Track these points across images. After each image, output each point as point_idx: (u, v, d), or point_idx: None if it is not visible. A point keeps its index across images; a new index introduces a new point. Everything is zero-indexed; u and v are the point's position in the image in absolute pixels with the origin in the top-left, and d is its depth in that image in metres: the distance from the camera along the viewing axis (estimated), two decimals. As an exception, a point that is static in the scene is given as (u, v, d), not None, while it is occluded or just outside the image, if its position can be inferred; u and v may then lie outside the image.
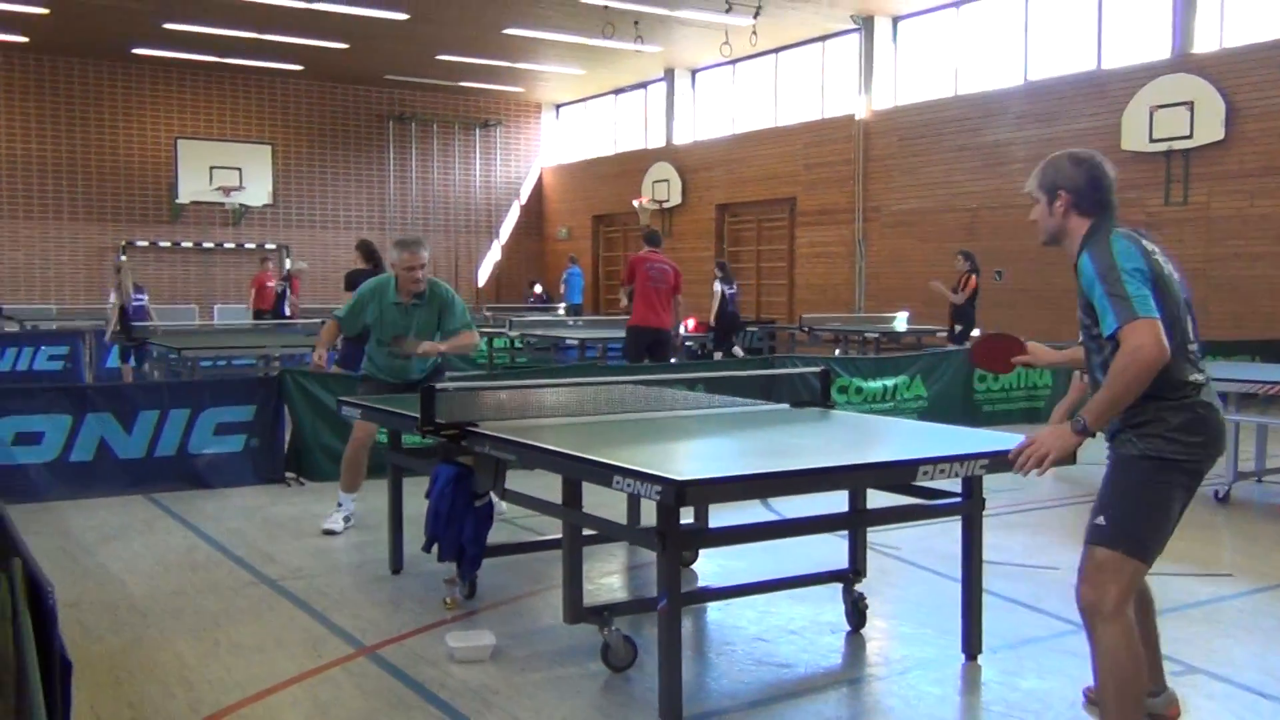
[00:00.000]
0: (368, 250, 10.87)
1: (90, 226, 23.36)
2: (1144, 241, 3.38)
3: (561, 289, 22.30)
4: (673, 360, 11.36)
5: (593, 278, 26.13)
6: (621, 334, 12.39)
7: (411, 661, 4.41)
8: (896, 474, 4.04)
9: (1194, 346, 3.38)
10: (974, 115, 17.93)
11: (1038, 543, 6.48)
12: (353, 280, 10.58)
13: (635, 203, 24.25)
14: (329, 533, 6.56)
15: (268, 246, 24.72)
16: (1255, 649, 4.59)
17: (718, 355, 15.91)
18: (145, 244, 23.73)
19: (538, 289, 25.58)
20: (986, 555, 4.54)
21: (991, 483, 4.49)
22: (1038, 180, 3.58)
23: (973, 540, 4.42)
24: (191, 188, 22.88)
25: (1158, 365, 3.14)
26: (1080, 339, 3.52)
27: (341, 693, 4.09)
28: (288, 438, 8.35)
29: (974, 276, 14.10)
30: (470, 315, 6.94)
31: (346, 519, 6.68)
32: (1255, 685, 4.14)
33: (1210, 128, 14.67)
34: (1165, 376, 3.21)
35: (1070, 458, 3.45)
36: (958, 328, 14.16)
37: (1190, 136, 14.82)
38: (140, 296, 14.73)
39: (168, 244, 23.91)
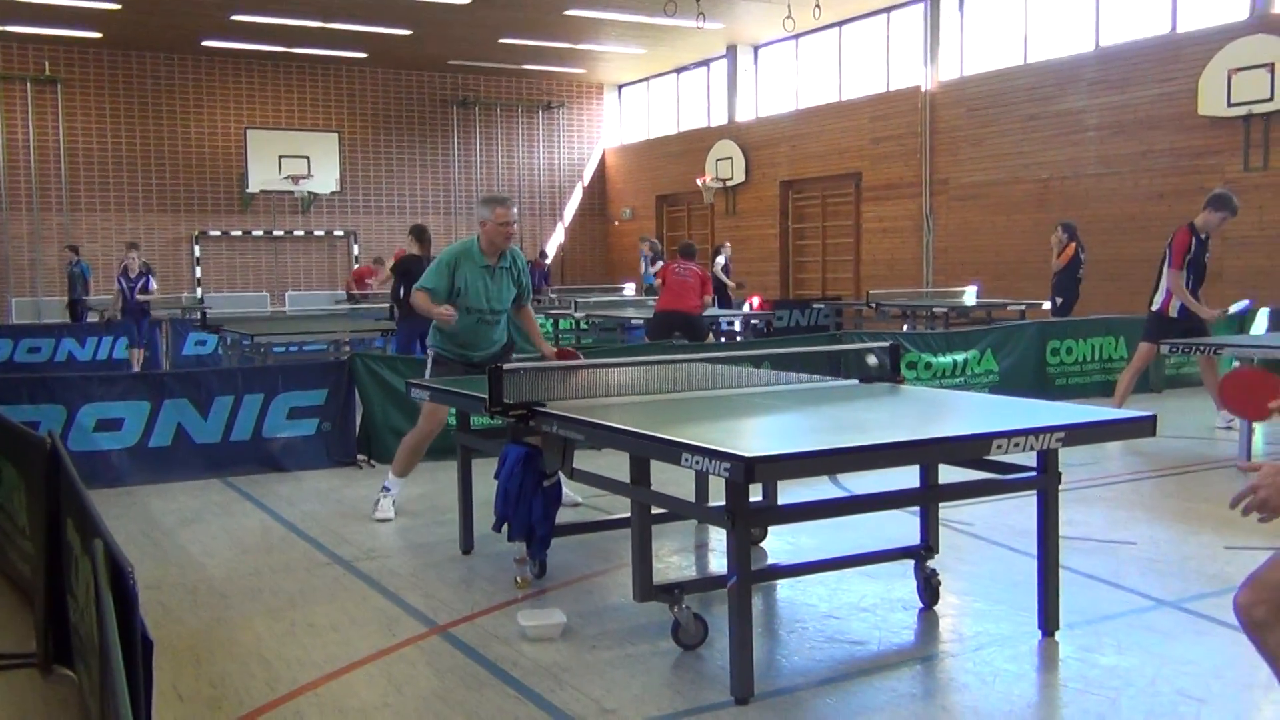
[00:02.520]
0: (421, 234, 10.99)
1: (164, 217, 23.83)
2: None
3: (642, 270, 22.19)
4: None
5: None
6: (705, 313, 13.37)
7: (483, 640, 4.44)
8: (969, 448, 3.98)
9: None
10: (1044, 84, 17.54)
11: (1116, 517, 6.35)
12: (406, 266, 10.73)
13: (699, 181, 24.15)
14: (383, 521, 6.53)
15: (336, 233, 25.07)
16: None
17: None
18: (217, 233, 24.18)
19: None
20: (1063, 530, 4.46)
21: (1067, 456, 4.41)
22: None
23: (1048, 514, 4.33)
24: (261, 177, 23.22)
25: None
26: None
27: (415, 671, 4.14)
28: (359, 421, 8.46)
29: (1073, 245, 13.71)
30: None
31: (393, 503, 6.65)
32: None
33: (1292, 90, 14.20)
34: None
35: None
36: (1058, 300, 13.80)
37: (1271, 99, 14.35)
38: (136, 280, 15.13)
39: (239, 233, 24.33)
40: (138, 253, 15.58)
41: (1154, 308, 9.22)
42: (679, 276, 12.42)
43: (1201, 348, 8.43)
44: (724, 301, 17.79)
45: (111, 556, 2.68)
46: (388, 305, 12.77)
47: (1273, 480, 2.75)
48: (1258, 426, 8.92)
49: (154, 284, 15.69)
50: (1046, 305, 14.48)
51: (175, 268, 23.91)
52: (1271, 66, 14.32)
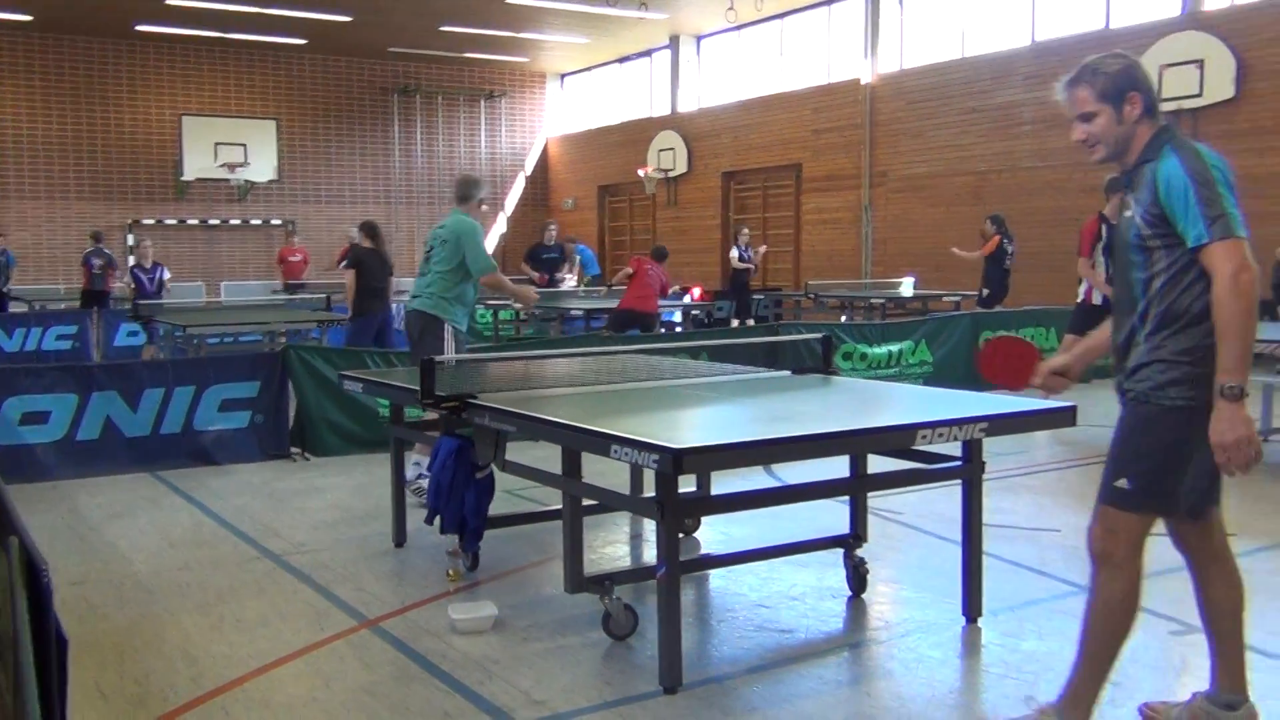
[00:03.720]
0: (373, 230, 10.93)
1: (96, 206, 23.37)
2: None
3: (576, 268, 22.05)
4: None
5: (599, 249, 26.06)
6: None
7: (414, 633, 4.43)
8: (895, 439, 4.03)
9: None
10: (981, 77, 17.78)
11: (1041, 505, 6.47)
12: (358, 259, 10.65)
13: (641, 172, 24.16)
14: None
15: (274, 222, 24.74)
16: (1257, 607, 4.54)
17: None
18: (151, 222, 23.72)
19: None
20: (988, 518, 4.54)
21: (994, 446, 4.49)
22: (1093, 92, 3.19)
23: (973, 503, 4.41)
24: (197, 165, 22.82)
25: (1256, 285, 2.96)
26: (1114, 270, 3.25)
27: (345, 665, 4.12)
28: (293, 413, 8.38)
29: (998, 238, 13.98)
30: None
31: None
32: (1256, 644, 4.12)
33: (1220, 86, 14.52)
34: (1191, 310, 3.05)
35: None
36: (984, 291, 14.08)
37: (1200, 95, 14.67)
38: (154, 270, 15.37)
39: (174, 222, 23.90)
40: (150, 243, 15.76)
41: (1078, 299, 9.39)
42: (650, 276, 12.61)
43: None
44: (744, 288, 17.79)
45: (26, 553, 2.64)
46: (323, 297, 12.65)
47: (1229, 438, 2.95)
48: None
49: (168, 274, 15.70)
50: (951, 298, 14.76)
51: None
52: (1201, 63, 14.63)
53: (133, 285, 15.42)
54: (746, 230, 18.78)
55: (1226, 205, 2.98)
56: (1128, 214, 3.22)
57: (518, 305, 7.74)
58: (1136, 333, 3.18)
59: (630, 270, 12.88)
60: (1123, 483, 3.14)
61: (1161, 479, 3.12)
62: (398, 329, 10.23)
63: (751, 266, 18.10)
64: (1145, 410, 3.13)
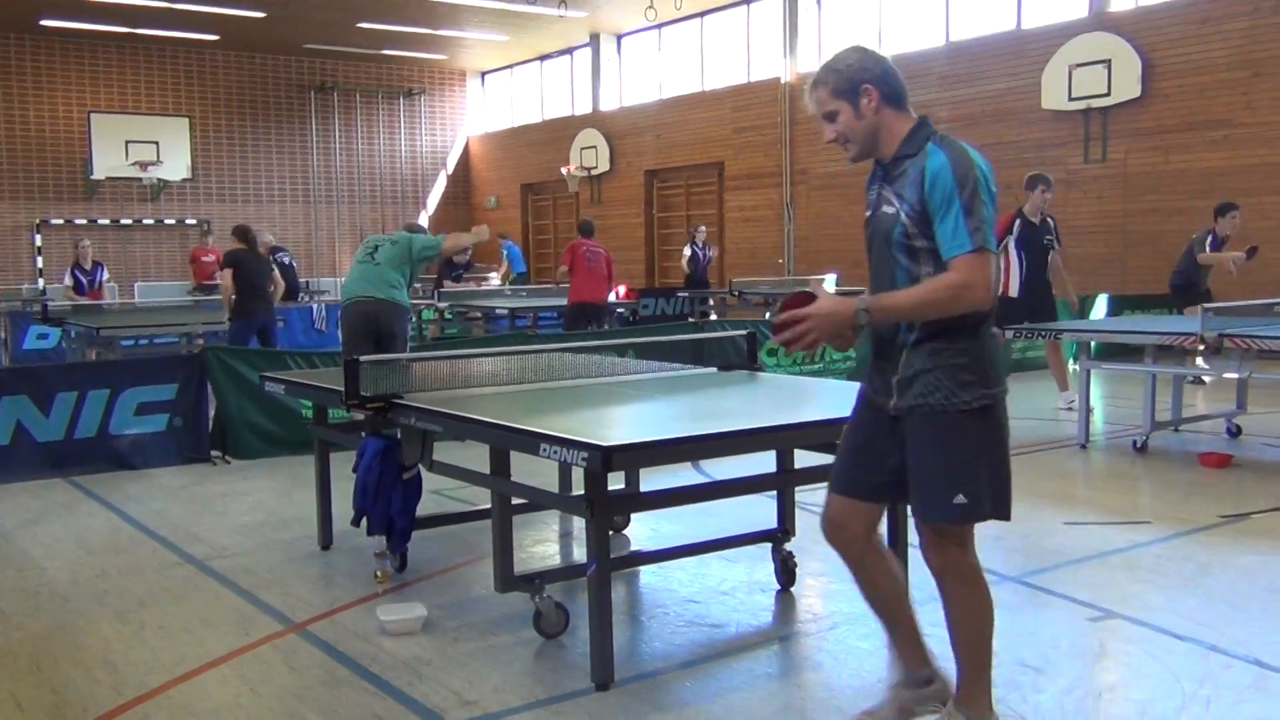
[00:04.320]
0: (244, 233, 10.83)
1: (1, 205, 22.66)
2: None
3: (504, 265, 21.93)
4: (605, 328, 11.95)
5: (523, 246, 25.96)
6: (552, 303, 13.85)
7: (342, 636, 4.38)
8: (821, 433, 4.08)
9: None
10: (897, 77, 18.02)
11: (963, 497, 6.58)
12: (235, 259, 10.50)
13: (564, 170, 24.10)
14: None
15: (188, 222, 24.21)
16: (1171, 593, 4.72)
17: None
18: (60, 222, 23.06)
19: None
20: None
21: (915, 439, 4.55)
22: (828, 90, 3.10)
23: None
24: (107, 163, 22.24)
25: (979, 305, 2.93)
26: (875, 253, 3.18)
27: (271, 670, 4.05)
28: (212, 416, 8.22)
29: None
30: None
31: None
32: (1171, 628, 4.26)
33: (1127, 85, 14.93)
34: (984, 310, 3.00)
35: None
36: None
37: (1108, 94, 15.08)
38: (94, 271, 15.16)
39: (84, 221, 23.23)
40: (89, 242, 15.48)
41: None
42: (591, 264, 12.12)
43: (1045, 332, 8.80)
44: (703, 286, 17.60)
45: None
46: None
47: (820, 319, 2.97)
48: (1096, 407, 9.38)
49: (106, 274, 15.37)
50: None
51: (15, 258, 22.78)
52: (1109, 63, 15.03)
53: (71, 286, 14.97)
54: (704, 228, 18.33)
55: (987, 214, 2.93)
56: (888, 210, 3.10)
57: (482, 240, 8.06)
58: (902, 338, 3.06)
59: (565, 267, 12.30)
60: (960, 498, 3.02)
61: (993, 483, 3.07)
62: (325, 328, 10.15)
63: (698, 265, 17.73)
64: (947, 421, 3.02)
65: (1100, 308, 13.16)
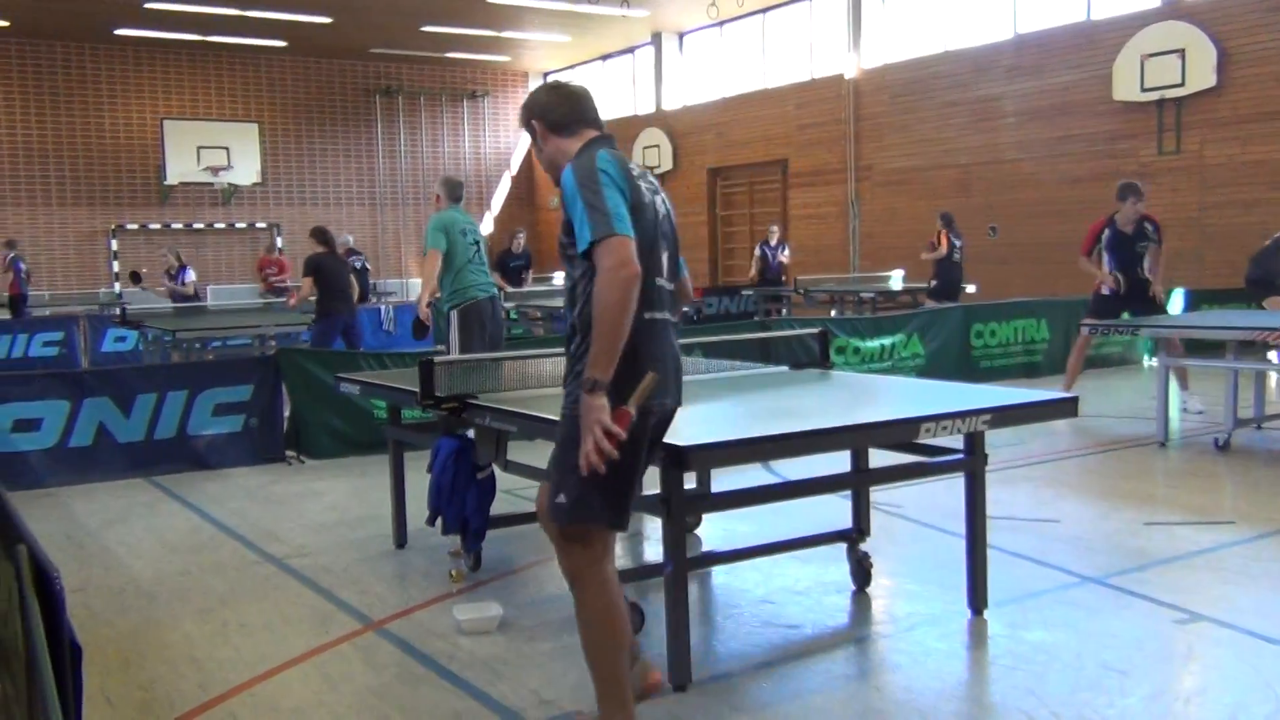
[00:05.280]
0: (323, 235, 10.96)
1: (79, 211, 23.22)
2: (632, 167, 3.22)
3: None
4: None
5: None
6: None
7: (420, 635, 4.42)
8: (899, 432, 4.04)
9: (663, 283, 3.26)
10: (964, 70, 17.82)
11: (1040, 496, 6.50)
12: (315, 264, 10.66)
13: (626, 169, 24.09)
14: None
15: (258, 225, 24.63)
16: (1258, 595, 4.61)
17: None
18: (135, 227, 23.60)
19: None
20: (989, 510, 4.55)
21: (993, 438, 4.49)
22: (521, 125, 3.46)
23: (976, 495, 4.42)
24: (179, 169, 22.71)
25: (635, 283, 2.97)
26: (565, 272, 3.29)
27: (351, 668, 4.10)
28: (286, 416, 8.35)
29: (943, 234, 14.38)
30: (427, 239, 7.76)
31: None
32: (1259, 630, 4.15)
33: (1202, 75, 14.59)
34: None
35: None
36: (932, 283, 14.56)
37: (1182, 84, 14.75)
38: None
39: (158, 226, 23.77)
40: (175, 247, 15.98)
41: (1093, 290, 9.52)
42: None
43: (1127, 328, 8.66)
44: (773, 282, 17.54)
45: (36, 561, 2.62)
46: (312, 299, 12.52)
47: (588, 426, 2.98)
48: (1174, 404, 9.18)
49: (193, 274, 15.78)
50: (971, 289, 14.90)
51: (92, 262, 23.33)
52: (1183, 52, 14.70)
53: (169, 290, 15.42)
54: (776, 228, 18.13)
55: (610, 204, 3.01)
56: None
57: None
58: (572, 343, 3.22)
59: None
60: (560, 498, 3.15)
61: (589, 492, 3.11)
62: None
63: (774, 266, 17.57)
64: (564, 424, 3.20)
65: (1177, 302, 12.89)
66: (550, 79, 27.62)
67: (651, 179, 3.36)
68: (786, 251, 18.08)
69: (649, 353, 3.16)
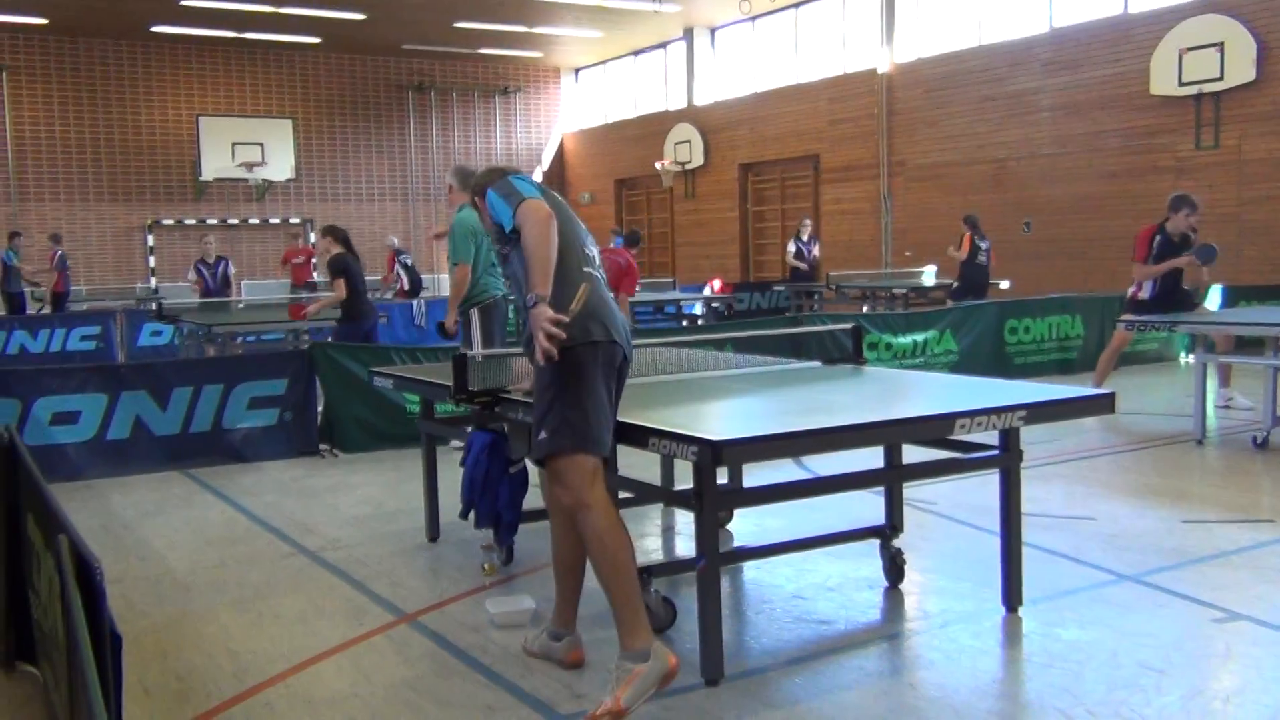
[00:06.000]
0: (345, 237, 10.79)
1: (116, 207, 23.47)
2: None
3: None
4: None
5: (617, 242, 26.04)
6: (650, 297, 14.35)
7: (452, 628, 4.44)
8: (933, 428, 4.01)
9: (592, 253, 3.83)
10: (998, 65, 17.69)
11: (1074, 494, 6.44)
12: (342, 266, 10.32)
13: (658, 165, 24.13)
14: None
15: (292, 221, 24.81)
16: (1299, 594, 4.54)
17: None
18: (171, 222, 23.84)
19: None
20: (1023, 507, 4.51)
21: (1026, 435, 4.46)
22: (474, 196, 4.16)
23: (1011, 492, 4.39)
24: (215, 164, 22.91)
25: (551, 220, 3.57)
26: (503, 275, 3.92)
27: (384, 660, 4.13)
28: (320, 410, 8.40)
29: (969, 236, 14.14)
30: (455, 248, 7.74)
31: None
32: (1301, 630, 4.10)
33: (1241, 68, 14.40)
34: (560, 275, 3.58)
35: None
36: (954, 284, 14.36)
37: (1220, 78, 14.57)
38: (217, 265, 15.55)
39: (193, 221, 24.00)
40: (213, 239, 16.07)
41: (1128, 294, 9.36)
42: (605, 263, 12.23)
43: (1162, 324, 8.57)
44: (809, 275, 17.46)
45: (77, 551, 2.65)
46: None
47: (535, 330, 3.45)
48: (1211, 402, 9.07)
49: (233, 268, 15.83)
50: (1005, 285, 14.76)
51: (128, 257, 23.59)
52: (1221, 46, 14.52)
53: (197, 281, 15.40)
54: (809, 221, 18.03)
55: (518, 187, 3.72)
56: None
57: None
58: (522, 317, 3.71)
59: None
60: (541, 435, 3.63)
61: (573, 420, 3.58)
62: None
63: (804, 265, 17.47)
64: (538, 374, 3.68)
65: (1214, 299, 12.73)
66: (580, 77, 27.64)
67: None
68: (818, 247, 18.02)
69: (592, 292, 3.67)
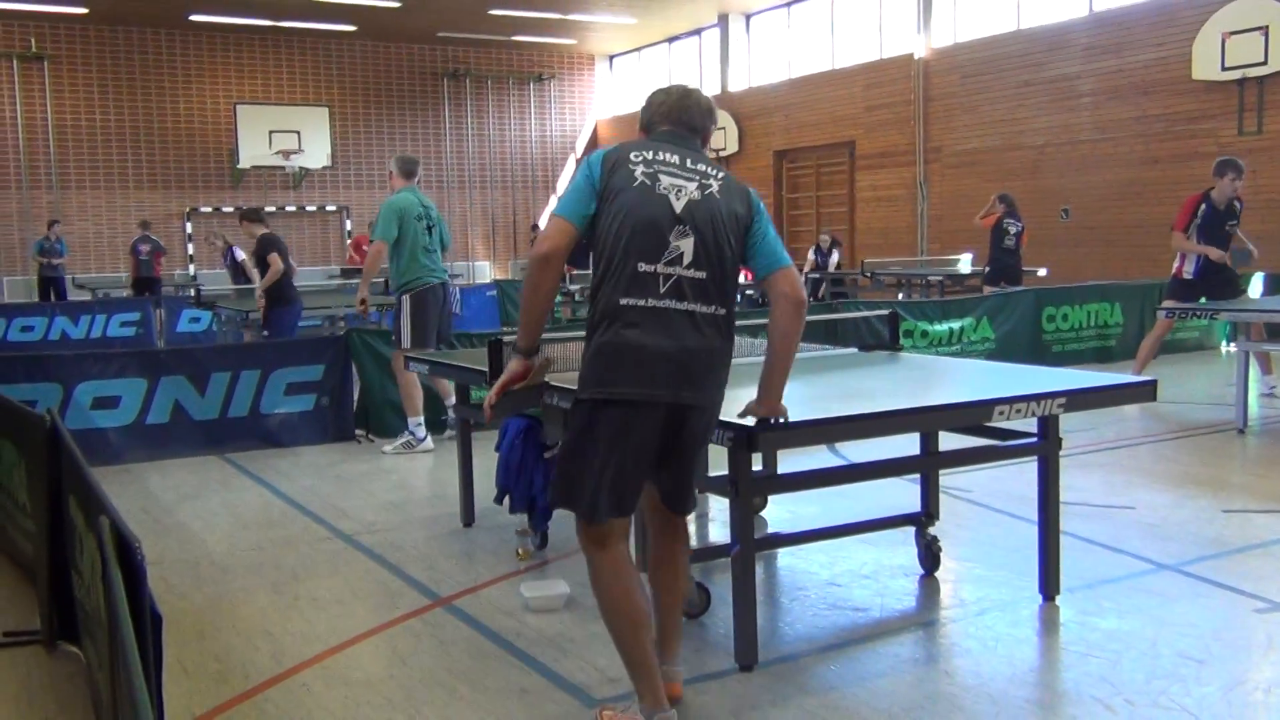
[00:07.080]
0: (261, 216, 10.70)
1: (155, 194, 23.71)
2: (643, 152, 3.26)
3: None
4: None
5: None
6: None
7: (487, 612, 4.46)
8: (971, 414, 3.99)
9: (663, 269, 3.12)
10: (1037, 49, 17.48)
11: (1113, 482, 6.38)
12: (270, 242, 10.10)
13: (692, 152, 24.01)
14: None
15: (329, 208, 24.97)
16: (1343, 585, 4.48)
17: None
18: (209, 210, 24.05)
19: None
20: (1061, 495, 4.46)
21: (1065, 423, 4.41)
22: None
23: (1050, 480, 4.34)
24: (252, 152, 23.10)
25: (542, 260, 3.13)
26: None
27: (420, 644, 4.15)
28: (356, 396, 8.46)
29: (997, 212, 13.32)
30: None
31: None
32: (1344, 622, 4.04)
33: (1286, 52, 14.17)
34: (598, 305, 3.17)
35: (532, 382, 3.50)
36: (985, 269, 13.76)
37: (1264, 63, 14.33)
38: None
39: (231, 209, 24.17)
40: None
41: (1172, 273, 9.17)
42: None
43: (1168, 312, 8.45)
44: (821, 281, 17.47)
45: (118, 532, 2.68)
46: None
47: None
48: (1254, 390, 8.96)
49: (240, 254, 15.61)
50: (1042, 272, 14.52)
51: (167, 244, 23.77)
52: (1266, 29, 14.29)
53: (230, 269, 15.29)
54: (828, 236, 18.22)
55: (567, 192, 3.26)
56: None
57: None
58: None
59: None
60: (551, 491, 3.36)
61: (557, 479, 3.28)
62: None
63: (819, 275, 17.50)
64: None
65: (1256, 286, 12.56)
66: (614, 64, 27.60)
67: (687, 163, 3.29)
68: (837, 256, 18.07)
69: (625, 339, 3.12)
